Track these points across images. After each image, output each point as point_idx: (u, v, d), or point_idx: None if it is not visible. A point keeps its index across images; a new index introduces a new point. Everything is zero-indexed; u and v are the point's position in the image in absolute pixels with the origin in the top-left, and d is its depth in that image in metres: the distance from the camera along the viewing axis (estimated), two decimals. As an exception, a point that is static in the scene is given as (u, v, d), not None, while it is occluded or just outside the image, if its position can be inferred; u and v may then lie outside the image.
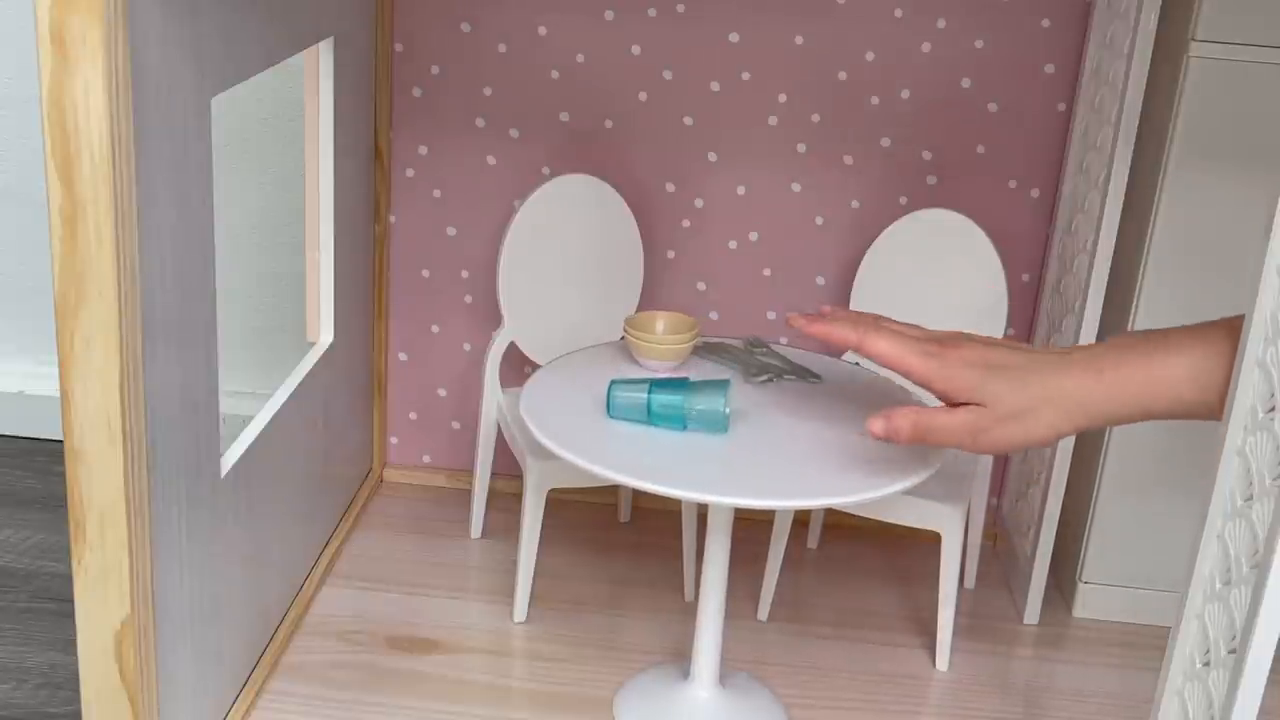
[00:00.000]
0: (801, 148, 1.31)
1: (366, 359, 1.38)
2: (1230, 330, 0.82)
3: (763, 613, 1.24)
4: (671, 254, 1.36)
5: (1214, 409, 0.82)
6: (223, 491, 0.98)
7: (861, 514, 1.18)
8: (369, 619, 1.20)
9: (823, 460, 0.99)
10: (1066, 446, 1.22)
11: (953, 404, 0.90)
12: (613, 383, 1.02)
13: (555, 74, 1.31)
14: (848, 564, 1.35)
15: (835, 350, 1.00)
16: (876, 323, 0.94)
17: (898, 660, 1.20)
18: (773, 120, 1.31)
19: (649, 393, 1.00)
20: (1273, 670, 0.71)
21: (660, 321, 1.13)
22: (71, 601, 0.83)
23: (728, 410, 1.00)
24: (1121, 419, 0.88)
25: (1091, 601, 1.28)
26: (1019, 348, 0.92)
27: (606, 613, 1.24)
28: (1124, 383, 0.86)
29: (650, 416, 1.00)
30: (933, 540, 1.17)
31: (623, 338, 1.13)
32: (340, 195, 1.22)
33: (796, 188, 1.33)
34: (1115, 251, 1.15)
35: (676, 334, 1.12)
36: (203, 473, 0.93)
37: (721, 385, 1.01)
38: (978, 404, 0.89)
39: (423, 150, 1.35)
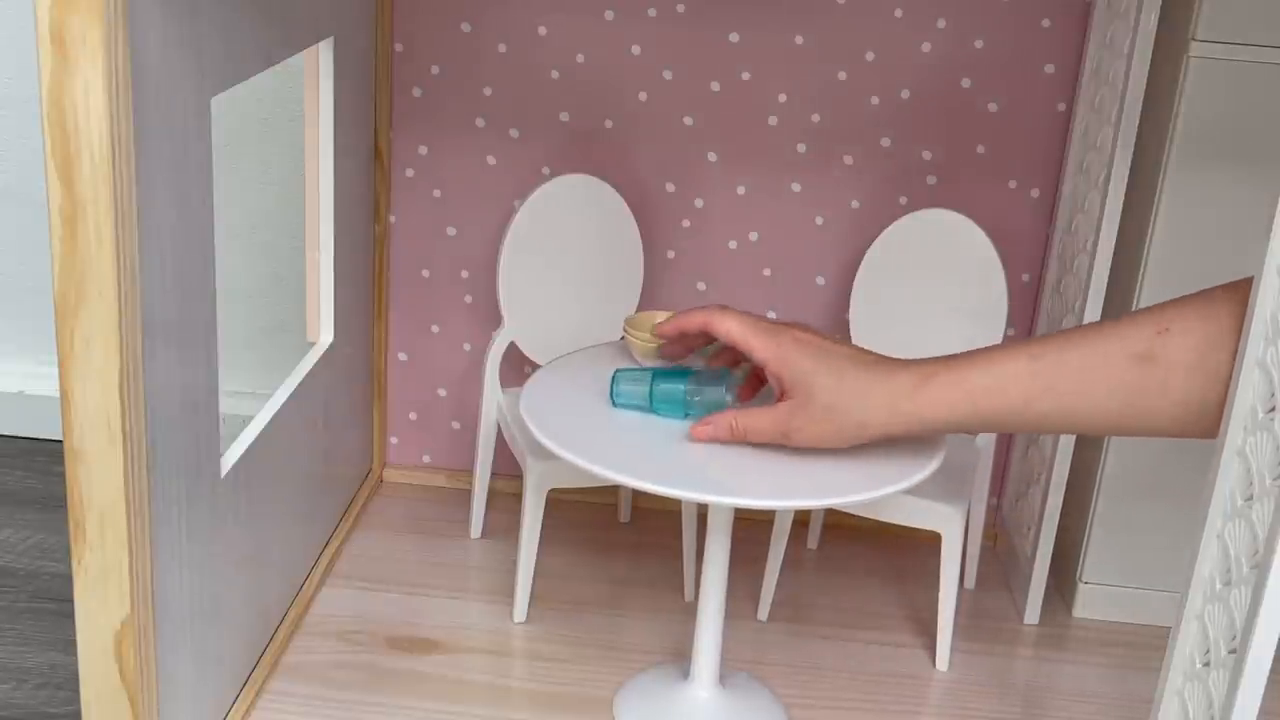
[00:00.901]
0: (801, 148, 1.32)
1: (366, 359, 1.38)
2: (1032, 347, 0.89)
3: (763, 613, 1.24)
4: (671, 254, 1.36)
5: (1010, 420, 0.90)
6: (223, 491, 0.98)
7: (861, 514, 1.18)
8: (369, 619, 1.21)
9: (822, 460, 0.99)
10: (1067, 446, 1.22)
11: (783, 390, 0.95)
12: (617, 371, 1.03)
13: (555, 74, 1.31)
14: (848, 564, 1.35)
15: (690, 344, 1.05)
16: (723, 308, 0.99)
17: (898, 660, 1.20)
18: (773, 120, 1.31)
19: (651, 381, 1.01)
20: (1273, 670, 0.71)
21: (660, 321, 1.13)
22: (71, 601, 0.83)
23: (730, 398, 1.00)
24: (935, 426, 0.93)
25: (1091, 601, 1.28)
26: (851, 345, 0.97)
27: (606, 613, 1.24)
28: (940, 390, 0.91)
29: (652, 404, 1.01)
30: (933, 540, 1.17)
31: (622, 338, 1.13)
32: (340, 195, 1.22)
33: (796, 188, 1.33)
34: (1115, 251, 1.15)
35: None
36: (203, 473, 0.93)
37: (723, 374, 1.01)
38: (803, 391, 0.94)
39: (423, 150, 1.35)
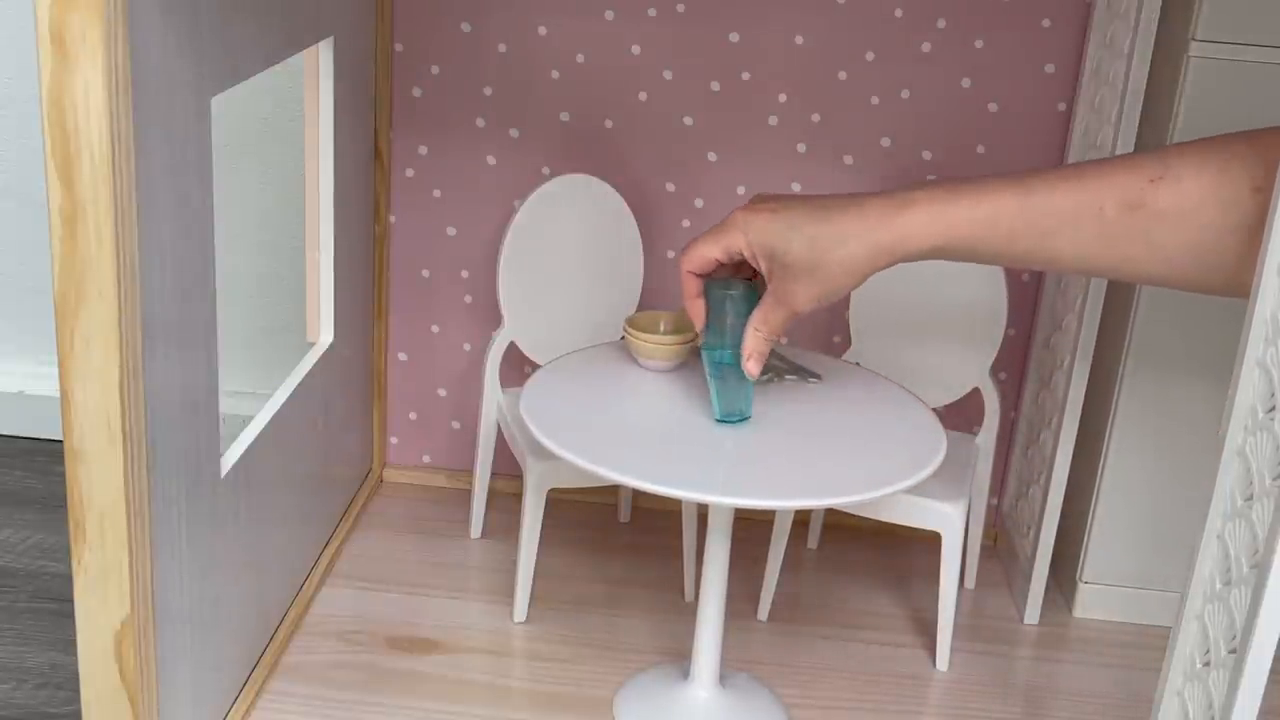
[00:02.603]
0: (801, 148, 1.32)
1: (366, 359, 1.38)
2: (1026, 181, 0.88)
3: (763, 613, 1.24)
4: (671, 254, 1.36)
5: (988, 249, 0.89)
6: (223, 491, 0.98)
7: (861, 514, 1.18)
8: (369, 619, 1.21)
9: (822, 460, 0.99)
10: (1067, 446, 1.22)
11: (768, 270, 0.95)
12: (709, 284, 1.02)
13: (555, 74, 1.31)
14: (848, 564, 1.35)
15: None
16: (683, 250, 1.01)
17: (898, 660, 1.20)
18: (773, 120, 1.31)
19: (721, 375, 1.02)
20: (1273, 670, 0.71)
21: (661, 321, 1.13)
22: (71, 601, 0.83)
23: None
24: (916, 257, 0.91)
25: (1091, 601, 1.28)
26: (811, 197, 0.96)
27: (606, 613, 1.24)
28: (921, 219, 0.90)
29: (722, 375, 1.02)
30: (933, 540, 1.17)
31: (622, 337, 1.13)
32: (340, 195, 1.22)
33: (796, 188, 1.33)
34: (1115, 251, 1.15)
35: (677, 334, 1.12)
36: (203, 473, 0.93)
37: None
38: (780, 264, 0.94)
39: (423, 150, 1.35)
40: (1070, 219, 0.87)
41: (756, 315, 0.98)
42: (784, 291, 0.95)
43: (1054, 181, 0.88)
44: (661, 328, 1.13)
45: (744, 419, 1.02)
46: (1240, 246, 0.83)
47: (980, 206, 0.89)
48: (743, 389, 1.01)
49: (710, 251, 0.99)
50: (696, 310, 1.03)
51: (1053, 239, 0.88)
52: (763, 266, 0.97)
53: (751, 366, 1.00)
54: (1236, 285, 0.85)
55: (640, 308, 1.31)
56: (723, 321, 1.01)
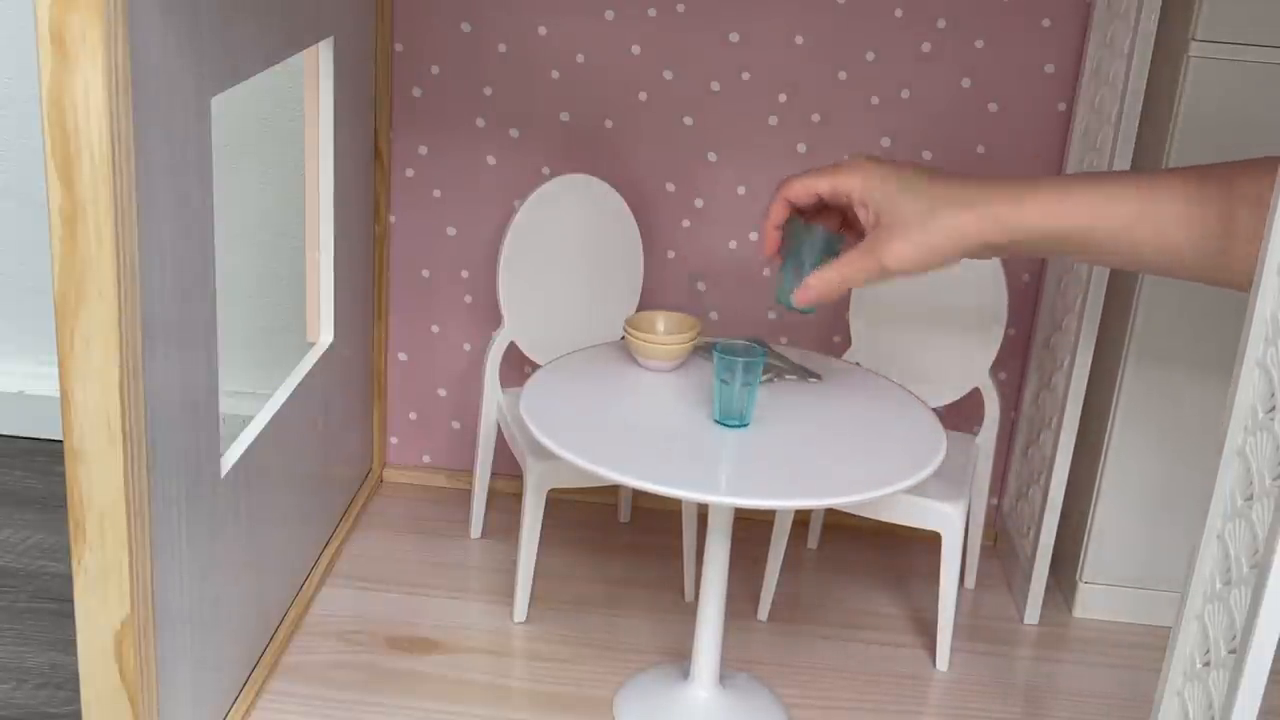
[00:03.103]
0: (801, 148, 1.32)
1: (366, 359, 1.38)
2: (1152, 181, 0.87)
3: (763, 613, 1.24)
4: (671, 254, 1.36)
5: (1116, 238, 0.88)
6: (223, 491, 0.98)
7: (861, 514, 1.18)
8: (369, 619, 1.20)
9: (823, 460, 0.99)
10: (1067, 446, 1.22)
11: (874, 220, 0.93)
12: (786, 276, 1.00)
13: (555, 74, 1.31)
14: (848, 564, 1.35)
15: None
16: (786, 181, 0.98)
17: (898, 660, 1.20)
18: (773, 120, 1.31)
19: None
20: (1273, 670, 0.71)
21: (661, 321, 1.13)
22: (71, 601, 0.83)
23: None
24: (1032, 237, 0.90)
25: (1091, 601, 1.28)
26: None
27: (606, 613, 1.24)
28: (1046, 197, 0.89)
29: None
30: (933, 540, 1.17)
31: (623, 337, 1.13)
32: (340, 195, 1.22)
33: (796, 188, 1.33)
34: (1115, 251, 1.15)
35: (677, 334, 1.12)
36: (203, 473, 0.93)
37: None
38: (891, 209, 0.91)
39: (423, 150, 1.35)
40: (1184, 212, 0.86)
41: (841, 259, 0.95)
42: (881, 245, 0.92)
43: (1167, 175, 0.87)
44: (661, 327, 1.13)
45: (742, 425, 1.01)
46: None
47: (1100, 189, 0.88)
48: (746, 395, 1.01)
49: (817, 184, 0.96)
50: (773, 238, 1.00)
51: (1165, 230, 0.86)
52: (868, 216, 0.93)
53: (802, 295, 0.96)
54: None
55: (640, 308, 1.31)
56: (800, 261, 0.98)
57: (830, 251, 0.98)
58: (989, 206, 0.89)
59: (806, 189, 0.97)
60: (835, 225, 1.01)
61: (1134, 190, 0.89)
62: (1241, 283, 0.87)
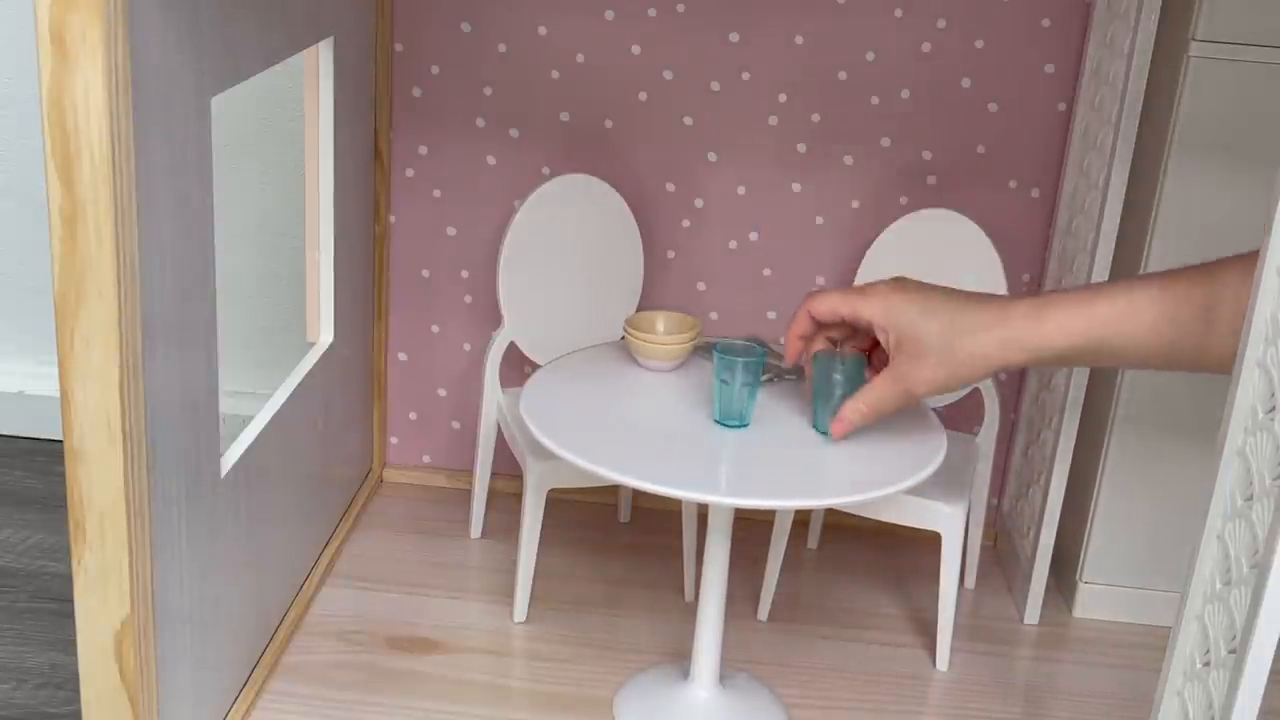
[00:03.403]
0: (801, 148, 1.31)
1: (366, 359, 1.38)
2: (1163, 282, 0.88)
3: (763, 613, 1.24)
4: (671, 254, 1.36)
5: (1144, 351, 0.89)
6: (223, 491, 0.98)
7: (861, 514, 1.18)
8: (369, 619, 1.20)
9: (823, 460, 0.99)
10: (1067, 447, 1.22)
11: (895, 345, 0.95)
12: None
13: (555, 74, 1.31)
14: (848, 564, 1.35)
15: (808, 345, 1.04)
16: (811, 294, 1.01)
17: (898, 660, 1.20)
18: (773, 120, 1.31)
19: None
20: (1273, 670, 0.71)
21: (661, 321, 1.13)
22: (71, 601, 0.83)
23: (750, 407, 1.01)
24: (1051, 356, 0.91)
25: (1091, 601, 1.28)
26: (946, 287, 0.97)
27: (606, 613, 1.24)
28: (1063, 317, 0.90)
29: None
30: (933, 540, 1.17)
31: (623, 337, 1.13)
32: (340, 195, 1.22)
33: (796, 188, 1.33)
34: (1115, 251, 1.15)
35: (677, 334, 1.12)
36: (203, 473, 0.93)
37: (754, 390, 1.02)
38: (912, 339, 0.94)
39: (423, 150, 1.35)
40: (1221, 309, 0.86)
41: (867, 389, 0.97)
42: (905, 371, 0.95)
43: (1199, 274, 0.87)
44: (661, 327, 1.13)
45: (742, 425, 1.02)
46: None
47: (1119, 301, 0.89)
48: (746, 395, 1.01)
49: (841, 307, 0.98)
50: (795, 346, 1.02)
51: (1197, 331, 0.86)
52: (890, 341, 0.96)
53: (838, 428, 0.99)
54: None
55: (640, 308, 1.31)
56: (830, 392, 1.00)
57: (858, 379, 1.00)
58: (1009, 330, 0.91)
59: (829, 310, 0.99)
60: (859, 344, 1.03)
61: (1154, 285, 0.89)
62: (1220, 368, 0.87)
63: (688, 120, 1.32)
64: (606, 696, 1.12)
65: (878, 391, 0.97)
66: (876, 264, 1.26)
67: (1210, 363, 0.87)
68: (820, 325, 1.02)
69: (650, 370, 1.11)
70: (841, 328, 1.02)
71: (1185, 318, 0.87)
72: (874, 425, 1.02)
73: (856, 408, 0.98)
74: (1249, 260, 0.87)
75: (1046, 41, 1.26)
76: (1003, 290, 1.24)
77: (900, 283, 0.97)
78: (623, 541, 1.37)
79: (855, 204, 1.33)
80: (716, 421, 1.02)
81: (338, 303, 1.24)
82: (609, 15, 1.29)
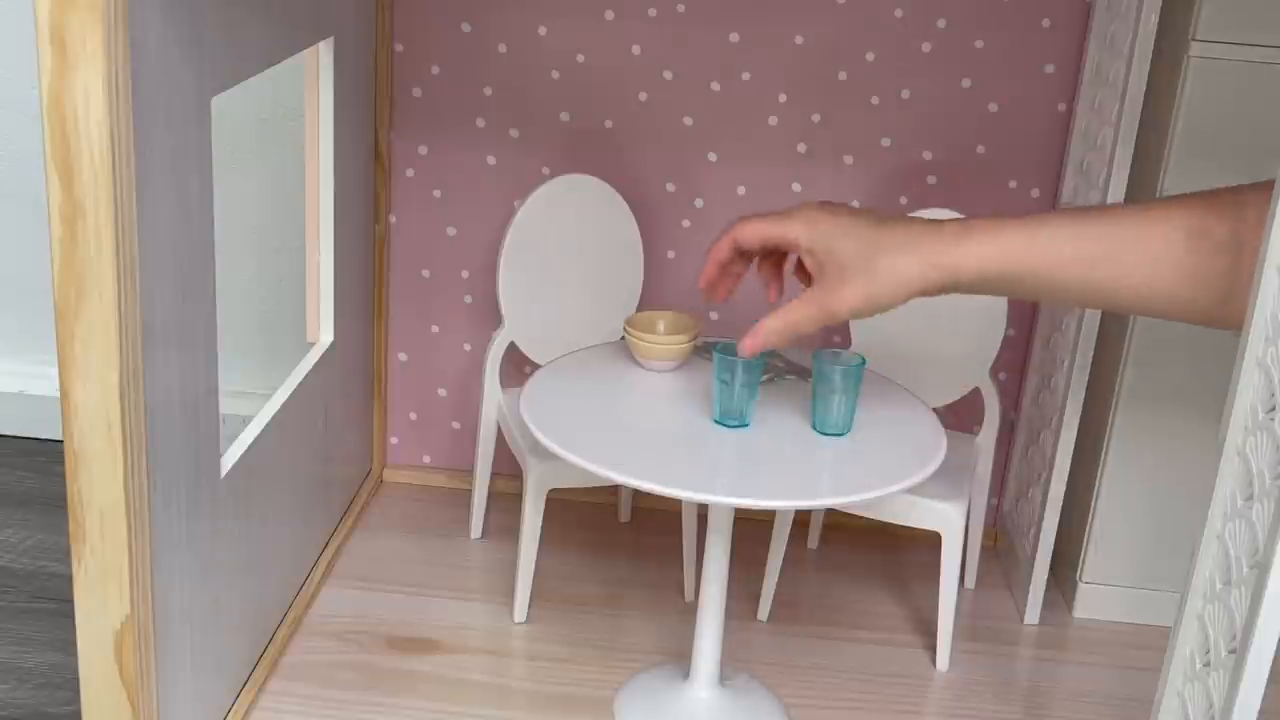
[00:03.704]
0: (801, 148, 1.31)
1: (366, 359, 1.38)
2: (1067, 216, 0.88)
3: (763, 613, 1.24)
4: (671, 254, 1.36)
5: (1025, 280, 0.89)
6: (223, 491, 0.98)
7: (861, 514, 1.18)
8: (369, 619, 1.20)
9: (823, 460, 0.99)
10: (1066, 446, 1.22)
11: (819, 267, 0.95)
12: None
13: (555, 74, 1.31)
14: (848, 564, 1.35)
15: (731, 277, 1.04)
16: (738, 221, 1.00)
17: (898, 660, 1.20)
18: (773, 120, 1.31)
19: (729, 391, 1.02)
20: (1273, 670, 0.71)
21: (661, 321, 1.13)
22: (71, 601, 0.83)
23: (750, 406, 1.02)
24: (969, 281, 0.91)
25: (1091, 601, 1.28)
26: (872, 210, 0.97)
27: (606, 613, 1.24)
28: (978, 243, 0.90)
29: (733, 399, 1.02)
30: (933, 540, 1.17)
31: (623, 337, 1.13)
32: (340, 195, 1.22)
33: (796, 188, 1.33)
34: (1115, 251, 1.15)
35: (677, 334, 1.12)
36: (203, 473, 0.93)
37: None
38: (836, 259, 0.93)
39: (423, 150, 1.35)
40: (1133, 244, 0.86)
41: (788, 305, 0.96)
42: (826, 291, 0.94)
43: (1114, 210, 0.88)
44: (661, 328, 1.13)
45: (742, 425, 1.02)
46: None
47: (1039, 230, 0.89)
48: (746, 395, 1.01)
49: (766, 230, 0.98)
50: (712, 270, 1.02)
51: (1111, 264, 0.87)
52: (814, 263, 0.95)
53: (748, 343, 0.98)
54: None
55: (640, 308, 1.31)
56: (829, 392, 1.00)
57: (858, 379, 1.00)
58: (926, 250, 0.91)
59: (755, 233, 0.99)
60: (776, 269, 1.03)
61: (1089, 228, 0.88)
62: (1170, 316, 0.89)
63: (688, 120, 1.32)
64: (606, 696, 1.12)
65: (797, 310, 0.96)
66: (876, 264, 1.26)
67: (1152, 309, 0.88)
68: (743, 253, 1.01)
69: (650, 370, 1.11)
70: (762, 253, 1.02)
71: (1151, 256, 0.86)
72: (874, 425, 1.02)
73: (772, 325, 0.97)
74: (1172, 206, 0.86)
75: (1046, 41, 1.26)
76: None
77: (825, 204, 0.97)
78: (623, 541, 1.37)
79: (855, 204, 1.32)
80: (716, 422, 1.02)
81: (338, 303, 1.24)
82: (609, 15, 1.29)
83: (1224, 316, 0.86)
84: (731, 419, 1.01)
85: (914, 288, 0.92)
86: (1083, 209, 0.90)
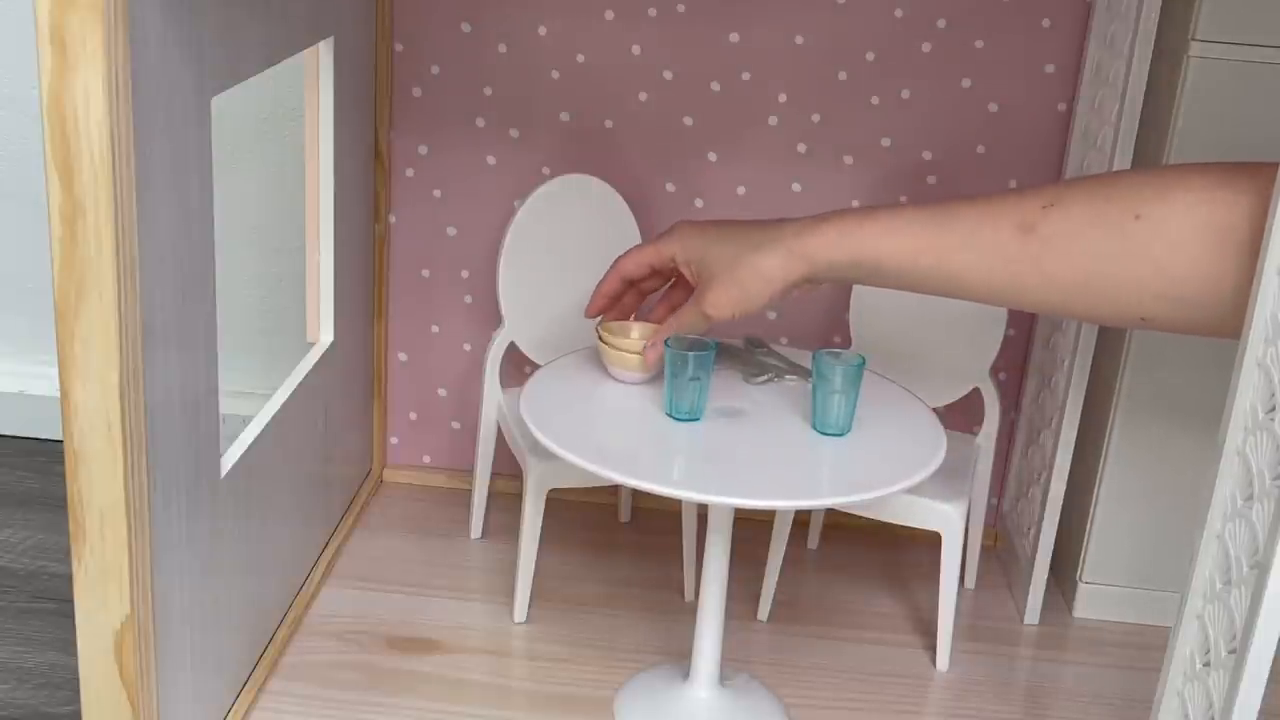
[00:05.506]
0: (801, 148, 1.32)
1: (366, 359, 1.38)
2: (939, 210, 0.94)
3: (763, 613, 1.24)
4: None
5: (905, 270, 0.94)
6: (223, 491, 0.98)
7: (861, 514, 1.18)
8: (369, 619, 1.21)
9: (822, 460, 0.99)
10: (1067, 446, 1.22)
11: (696, 279, 1.04)
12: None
13: (555, 74, 1.31)
14: (848, 564, 1.35)
15: (624, 305, 1.12)
16: (620, 257, 1.09)
17: (898, 660, 1.20)
18: (773, 120, 1.31)
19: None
20: (1273, 670, 0.71)
21: (635, 330, 1.12)
22: (71, 601, 0.83)
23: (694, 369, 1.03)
24: (824, 269, 0.97)
25: (1091, 601, 1.28)
26: (747, 220, 1.04)
27: (606, 613, 1.24)
28: (829, 233, 0.96)
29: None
30: (933, 540, 1.17)
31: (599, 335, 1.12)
32: (340, 195, 1.22)
33: (796, 188, 1.33)
34: (1115, 251, 1.15)
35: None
36: (203, 473, 0.93)
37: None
38: (707, 268, 1.01)
39: (423, 150, 1.35)
40: (970, 237, 0.91)
41: (672, 316, 1.04)
42: (701, 295, 1.02)
43: (961, 204, 0.93)
44: (635, 335, 1.12)
45: (693, 418, 1.03)
46: (1124, 272, 0.86)
47: (889, 223, 0.94)
48: (697, 390, 1.02)
49: (647, 257, 1.06)
50: (599, 303, 1.10)
51: (953, 257, 0.92)
52: (691, 274, 1.04)
53: (650, 355, 1.05)
54: (1127, 316, 0.89)
55: (640, 307, 1.31)
56: (829, 392, 1.02)
57: (858, 379, 1.02)
58: (785, 243, 0.97)
59: (637, 263, 1.08)
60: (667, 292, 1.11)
61: (919, 215, 0.94)
62: (1031, 306, 0.94)
63: (688, 120, 1.32)
64: (606, 696, 1.12)
65: (679, 317, 1.03)
66: (876, 264, 1.26)
67: (1034, 300, 0.92)
68: (632, 282, 1.09)
69: (621, 380, 1.10)
70: (654, 278, 1.09)
71: (952, 245, 0.92)
72: (874, 425, 1.03)
73: (662, 331, 1.04)
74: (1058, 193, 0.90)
75: (1046, 41, 1.26)
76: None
77: (696, 222, 1.05)
78: (623, 541, 1.37)
79: (855, 204, 1.33)
80: (667, 414, 1.03)
81: (338, 303, 1.24)
82: (609, 15, 1.29)
83: (1027, 304, 0.93)
84: (681, 412, 1.02)
85: (776, 282, 0.98)
86: (947, 201, 0.94)
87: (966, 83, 1.28)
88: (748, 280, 0.99)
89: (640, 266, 1.07)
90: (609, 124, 1.32)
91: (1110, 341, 1.21)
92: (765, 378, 1.11)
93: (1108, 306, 0.89)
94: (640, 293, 1.11)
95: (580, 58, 1.30)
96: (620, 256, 1.08)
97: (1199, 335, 0.87)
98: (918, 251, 0.93)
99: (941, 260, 0.92)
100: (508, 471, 1.37)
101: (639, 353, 1.07)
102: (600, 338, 1.09)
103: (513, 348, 1.28)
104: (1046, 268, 0.89)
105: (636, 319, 1.13)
